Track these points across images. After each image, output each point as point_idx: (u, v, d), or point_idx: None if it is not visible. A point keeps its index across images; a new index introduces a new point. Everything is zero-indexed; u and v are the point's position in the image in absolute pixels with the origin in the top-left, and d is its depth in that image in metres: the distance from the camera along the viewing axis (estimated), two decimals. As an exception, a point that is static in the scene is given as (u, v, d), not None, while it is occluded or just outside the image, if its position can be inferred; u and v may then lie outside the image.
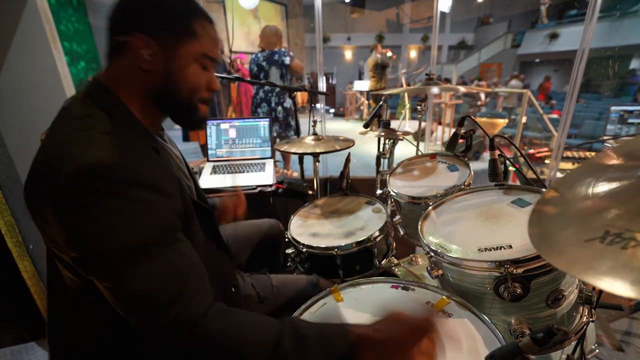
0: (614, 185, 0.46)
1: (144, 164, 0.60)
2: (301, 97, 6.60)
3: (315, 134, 1.53)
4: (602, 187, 0.47)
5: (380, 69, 6.59)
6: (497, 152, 1.02)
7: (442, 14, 8.92)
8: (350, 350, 0.57)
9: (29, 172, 0.60)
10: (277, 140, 3.25)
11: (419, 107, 1.60)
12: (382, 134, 1.45)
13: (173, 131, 3.85)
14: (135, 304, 0.56)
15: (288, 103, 3.19)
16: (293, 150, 1.43)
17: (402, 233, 1.26)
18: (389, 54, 7.17)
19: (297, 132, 2.01)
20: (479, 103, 7.73)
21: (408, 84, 7.16)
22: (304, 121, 1.94)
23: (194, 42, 0.67)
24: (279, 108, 3.23)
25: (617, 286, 0.32)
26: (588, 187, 0.49)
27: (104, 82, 0.67)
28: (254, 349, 0.56)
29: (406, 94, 6.60)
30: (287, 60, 3.11)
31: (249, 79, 3.05)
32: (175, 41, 0.66)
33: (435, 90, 1.32)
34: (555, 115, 5.77)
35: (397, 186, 1.25)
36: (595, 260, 0.36)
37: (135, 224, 0.56)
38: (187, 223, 0.69)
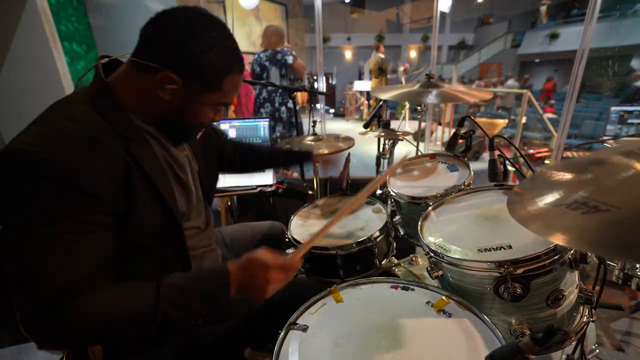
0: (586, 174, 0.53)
1: (76, 158, 0.60)
2: (301, 97, 6.60)
3: (315, 134, 1.53)
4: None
5: (379, 70, 6.61)
6: (497, 153, 1.02)
7: (442, 14, 8.92)
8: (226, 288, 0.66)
9: None
10: (278, 141, 3.25)
11: (418, 108, 1.60)
12: (382, 134, 1.45)
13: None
14: (14, 285, 0.57)
15: (292, 103, 3.19)
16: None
17: (402, 233, 1.26)
18: (401, 68, 7.26)
19: (298, 132, 2.01)
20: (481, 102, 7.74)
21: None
22: (304, 121, 1.95)
23: (218, 94, 0.72)
24: (283, 108, 3.22)
25: (561, 238, 0.40)
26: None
27: (109, 80, 0.70)
28: (132, 315, 0.60)
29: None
30: (289, 59, 3.11)
31: (249, 79, 3.06)
32: (200, 89, 0.70)
33: (432, 99, 1.26)
34: (549, 114, 5.76)
35: (397, 186, 1.25)
36: (555, 221, 0.45)
37: (32, 212, 0.57)
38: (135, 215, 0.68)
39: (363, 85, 8.63)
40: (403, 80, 7.28)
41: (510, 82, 8.35)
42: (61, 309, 0.56)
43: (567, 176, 0.55)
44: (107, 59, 0.73)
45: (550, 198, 0.50)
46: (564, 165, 0.60)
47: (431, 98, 1.24)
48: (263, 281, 0.68)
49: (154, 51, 0.66)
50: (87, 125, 0.64)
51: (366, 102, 9.27)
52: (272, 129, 3.24)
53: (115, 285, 0.64)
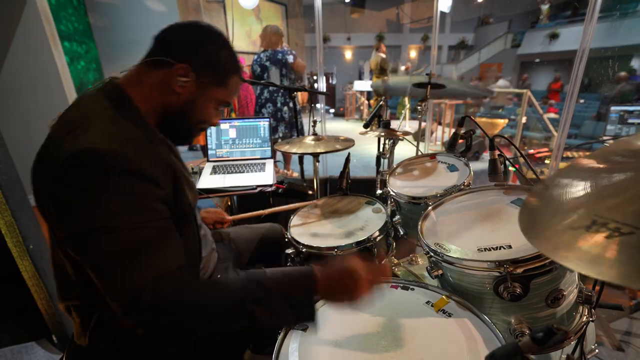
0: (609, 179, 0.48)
1: (137, 153, 0.64)
2: (301, 97, 6.61)
3: (315, 134, 1.53)
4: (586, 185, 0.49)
5: (380, 70, 6.61)
6: (497, 152, 1.02)
7: (442, 14, 8.92)
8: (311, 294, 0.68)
9: (37, 154, 0.66)
10: (279, 140, 3.25)
11: (419, 107, 1.60)
12: (382, 134, 1.45)
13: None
14: (105, 280, 0.60)
15: (293, 103, 3.20)
16: (293, 150, 1.43)
17: (402, 233, 1.26)
18: (403, 68, 7.25)
19: (298, 132, 2.01)
20: (485, 100, 7.77)
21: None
22: (304, 121, 1.95)
23: (223, 91, 0.80)
24: (285, 108, 3.22)
25: (592, 270, 0.35)
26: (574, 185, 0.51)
27: (120, 83, 0.74)
28: (219, 308, 0.63)
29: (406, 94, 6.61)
30: (290, 58, 3.10)
31: (249, 79, 3.06)
32: (209, 84, 0.77)
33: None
34: (552, 114, 5.76)
35: (397, 186, 1.25)
36: (576, 245, 0.39)
37: (116, 206, 0.60)
38: (181, 216, 0.74)
39: (363, 85, 8.63)
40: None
41: (501, 82, 8.40)
42: (158, 294, 0.58)
43: (587, 172, 0.51)
44: (120, 73, 0.77)
45: (568, 214, 0.45)
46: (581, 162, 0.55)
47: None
48: (354, 290, 0.68)
49: (172, 49, 0.73)
50: (129, 128, 0.69)
51: (366, 102, 9.27)
52: (274, 129, 3.24)
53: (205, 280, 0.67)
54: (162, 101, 0.75)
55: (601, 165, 0.51)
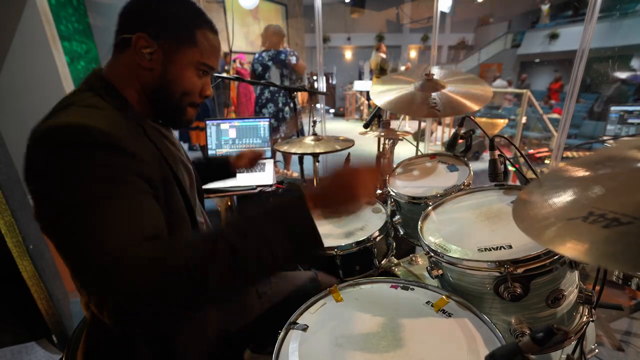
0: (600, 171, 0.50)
1: (115, 129, 0.60)
2: (301, 97, 6.61)
3: (315, 134, 1.53)
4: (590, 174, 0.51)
5: (380, 70, 6.61)
6: (497, 152, 1.02)
7: (442, 14, 8.92)
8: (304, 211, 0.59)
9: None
10: (279, 141, 3.25)
11: (419, 107, 1.59)
12: (382, 134, 1.45)
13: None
14: (73, 259, 0.54)
15: (293, 103, 3.20)
16: (293, 150, 1.43)
17: (402, 233, 1.26)
18: (403, 68, 7.18)
19: (299, 132, 2.01)
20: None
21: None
22: (304, 121, 1.94)
23: (194, 50, 0.72)
24: (286, 108, 3.21)
25: (594, 257, 0.36)
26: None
27: (104, 73, 0.72)
28: (191, 255, 0.52)
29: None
30: (293, 60, 3.10)
31: (249, 79, 3.05)
32: (175, 46, 0.70)
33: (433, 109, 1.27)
34: (555, 115, 5.77)
35: (397, 186, 1.25)
36: (575, 236, 0.40)
37: (92, 182, 0.55)
38: (168, 199, 0.69)
39: (363, 85, 8.63)
40: None
41: (498, 82, 8.44)
42: (138, 264, 0.51)
43: (579, 174, 0.52)
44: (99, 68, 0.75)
45: (564, 208, 0.46)
46: (574, 164, 0.56)
47: (431, 109, 1.21)
48: (351, 195, 0.63)
49: (125, 24, 0.70)
50: (114, 113, 0.66)
51: (366, 102, 9.27)
52: (276, 129, 3.24)
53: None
54: (141, 83, 0.71)
55: (586, 174, 0.52)
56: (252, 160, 1.28)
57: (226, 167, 1.24)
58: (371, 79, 7.05)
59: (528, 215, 0.50)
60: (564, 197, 0.48)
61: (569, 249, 0.38)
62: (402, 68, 7.25)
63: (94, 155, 0.56)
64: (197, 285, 0.51)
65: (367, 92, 8.89)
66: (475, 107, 1.18)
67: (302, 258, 0.60)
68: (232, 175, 1.27)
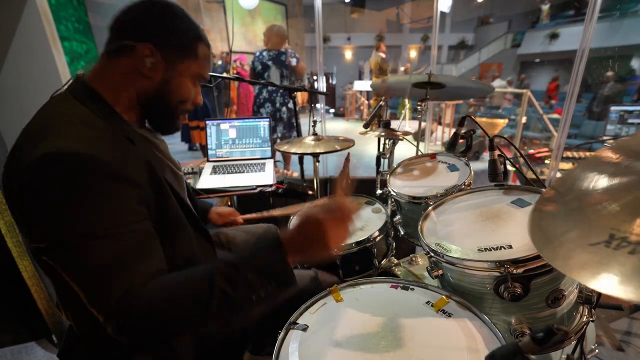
0: (614, 180, 0.46)
1: (110, 153, 0.61)
2: (301, 97, 6.61)
3: (315, 134, 1.53)
4: (602, 183, 0.47)
5: (380, 70, 6.61)
6: (497, 153, 1.02)
7: (442, 13, 8.92)
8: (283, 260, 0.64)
9: (6, 161, 0.62)
10: (278, 141, 3.25)
11: (419, 107, 1.59)
12: (382, 134, 1.44)
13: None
14: (87, 288, 0.57)
15: (292, 103, 3.20)
16: (293, 150, 1.43)
17: (402, 233, 1.26)
18: (402, 68, 7.11)
19: (298, 133, 2.01)
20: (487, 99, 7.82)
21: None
22: (304, 121, 1.95)
23: (194, 62, 0.75)
24: (284, 109, 3.22)
25: (629, 292, 0.31)
26: (588, 183, 0.49)
27: (87, 79, 0.71)
28: (192, 298, 0.59)
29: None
30: (294, 61, 3.11)
31: (249, 79, 3.05)
32: (177, 57, 0.73)
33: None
34: (556, 115, 5.78)
35: (398, 186, 1.25)
36: (603, 267, 0.35)
37: (93, 213, 0.57)
38: (162, 210, 0.71)
39: (363, 85, 8.63)
40: None
41: (497, 82, 8.45)
42: (143, 298, 0.56)
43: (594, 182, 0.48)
44: (84, 70, 0.75)
45: (580, 229, 0.42)
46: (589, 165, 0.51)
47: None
48: (322, 238, 0.64)
49: (128, 31, 0.70)
50: (101, 127, 0.66)
51: (366, 102, 9.27)
52: (273, 129, 3.24)
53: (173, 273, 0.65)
54: (136, 90, 0.72)
55: (616, 161, 0.49)
56: (230, 222, 1.26)
57: (203, 214, 1.22)
58: (371, 79, 7.04)
59: (546, 235, 0.47)
60: (577, 214, 0.44)
61: (604, 285, 0.34)
62: (402, 69, 7.23)
63: (98, 186, 0.58)
64: (198, 321, 0.61)
65: (367, 92, 8.90)
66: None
67: (282, 293, 0.65)
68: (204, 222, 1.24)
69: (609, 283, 0.33)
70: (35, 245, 0.59)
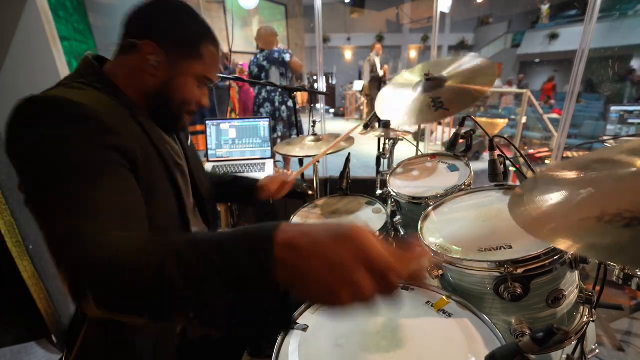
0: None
1: (99, 107, 0.59)
2: (301, 97, 6.60)
3: (315, 134, 1.53)
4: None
5: (377, 82, 6.54)
6: (497, 153, 1.02)
7: (442, 14, 8.92)
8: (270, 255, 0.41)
9: None
10: (278, 140, 3.25)
11: (419, 107, 1.59)
12: (382, 134, 1.44)
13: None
14: (51, 240, 0.50)
15: (292, 102, 3.21)
16: (294, 153, 1.43)
17: (402, 233, 1.26)
18: (377, 59, 6.90)
19: (298, 132, 2.01)
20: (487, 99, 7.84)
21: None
22: (304, 120, 1.94)
23: (198, 63, 0.74)
24: (283, 108, 3.23)
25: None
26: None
27: (105, 69, 0.72)
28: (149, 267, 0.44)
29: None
30: (287, 57, 3.12)
31: (248, 79, 3.06)
32: (181, 57, 0.72)
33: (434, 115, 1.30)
34: (555, 115, 5.78)
35: (398, 186, 1.25)
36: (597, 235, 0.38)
37: (67, 155, 0.53)
38: (151, 180, 0.67)
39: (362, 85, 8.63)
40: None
41: (497, 82, 8.50)
42: (106, 257, 0.46)
43: (568, 176, 0.52)
44: (94, 51, 0.76)
45: (568, 208, 0.45)
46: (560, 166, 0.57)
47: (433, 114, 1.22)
48: (344, 275, 0.39)
49: (134, 30, 0.71)
50: (103, 97, 0.65)
51: (366, 102, 9.26)
52: (272, 128, 3.25)
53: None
54: (143, 87, 0.72)
55: (574, 176, 0.52)
56: (280, 189, 1.16)
57: (251, 193, 1.14)
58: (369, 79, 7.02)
59: (531, 216, 0.49)
60: (561, 197, 0.47)
61: (596, 252, 0.37)
62: (381, 73, 6.96)
63: (69, 127, 0.55)
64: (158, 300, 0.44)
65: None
66: (484, 88, 1.16)
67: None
68: (254, 203, 1.18)
69: (605, 252, 0.37)
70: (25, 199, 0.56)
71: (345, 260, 0.39)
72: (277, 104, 3.21)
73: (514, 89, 7.57)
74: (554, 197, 0.49)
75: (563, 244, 0.40)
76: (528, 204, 0.52)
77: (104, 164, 0.56)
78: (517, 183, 2.79)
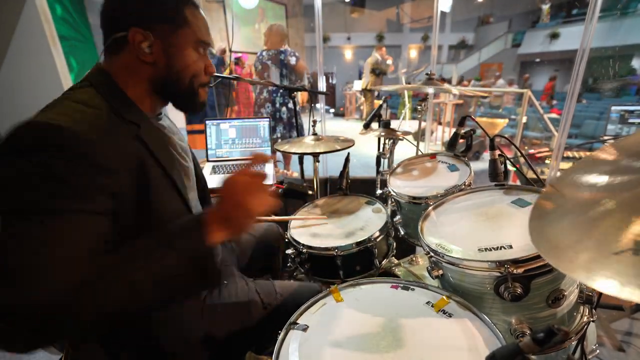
0: (611, 179, 0.46)
1: (94, 133, 0.59)
2: (301, 96, 6.60)
3: (315, 134, 1.53)
4: (599, 181, 0.47)
5: (377, 74, 6.61)
6: (497, 152, 1.01)
7: (443, 13, 8.91)
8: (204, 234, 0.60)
9: None
10: (279, 140, 3.25)
11: (419, 107, 1.59)
12: (382, 134, 1.44)
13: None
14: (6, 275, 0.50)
15: (292, 103, 3.21)
16: (293, 150, 1.43)
17: (402, 233, 1.26)
18: (389, 61, 7.09)
19: (298, 132, 2.01)
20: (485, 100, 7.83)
21: (408, 83, 7.14)
22: (304, 120, 1.94)
23: (188, 30, 0.71)
24: (284, 109, 3.22)
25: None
26: (586, 181, 0.49)
27: (104, 68, 0.71)
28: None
29: (406, 94, 6.60)
30: (292, 60, 3.11)
31: (249, 78, 3.05)
32: (170, 31, 0.70)
33: (430, 90, 1.33)
34: (554, 115, 5.77)
35: (398, 186, 1.25)
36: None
37: (37, 189, 0.53)
38: (151, 202, 0.68)
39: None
40: (403, 79, 7.26)
41: (500, 82, 8.48)
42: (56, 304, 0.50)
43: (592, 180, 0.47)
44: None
45: (597, 235, 0.38)
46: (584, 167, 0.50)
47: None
48: (242, 205, 0.62)
49: (114, 24, 0.68)
50: (98, 110, 0.65)
51: (366, 101, 9.25)
52: (272, 129, 3.24)
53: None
54: (146, 79, 0.71)
55: (615, 160, 0.48)
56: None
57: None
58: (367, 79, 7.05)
59: (557, 246, 0.44)
60: (585, 218, 0.41)
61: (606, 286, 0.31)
62: (389, 61, 7.16)
63: (53, 162, 0.54)
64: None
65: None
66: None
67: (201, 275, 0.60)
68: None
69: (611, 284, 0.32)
70: None
71: (238, 198, 0.63)
72: (277, 105, 3.21)
73: (515, 89, 7.56)
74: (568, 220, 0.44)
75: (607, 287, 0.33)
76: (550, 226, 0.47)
77: (75, 206, 0.55)
78: (518, 183, 2.79)
